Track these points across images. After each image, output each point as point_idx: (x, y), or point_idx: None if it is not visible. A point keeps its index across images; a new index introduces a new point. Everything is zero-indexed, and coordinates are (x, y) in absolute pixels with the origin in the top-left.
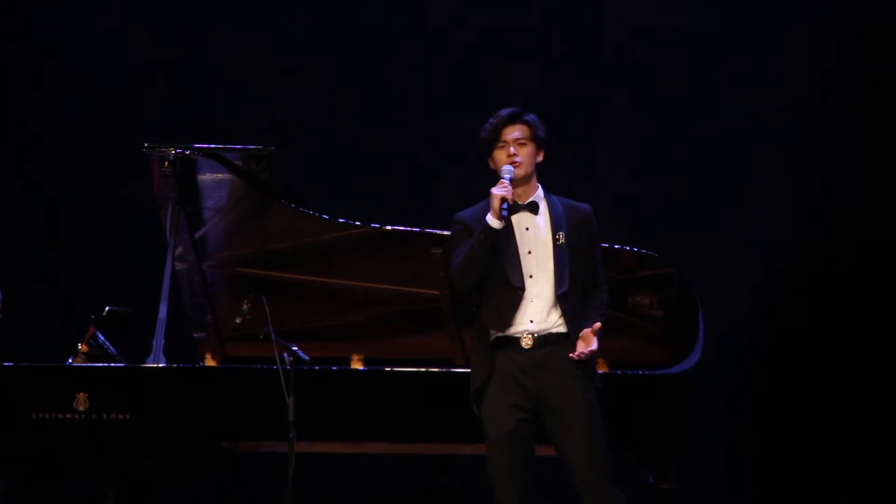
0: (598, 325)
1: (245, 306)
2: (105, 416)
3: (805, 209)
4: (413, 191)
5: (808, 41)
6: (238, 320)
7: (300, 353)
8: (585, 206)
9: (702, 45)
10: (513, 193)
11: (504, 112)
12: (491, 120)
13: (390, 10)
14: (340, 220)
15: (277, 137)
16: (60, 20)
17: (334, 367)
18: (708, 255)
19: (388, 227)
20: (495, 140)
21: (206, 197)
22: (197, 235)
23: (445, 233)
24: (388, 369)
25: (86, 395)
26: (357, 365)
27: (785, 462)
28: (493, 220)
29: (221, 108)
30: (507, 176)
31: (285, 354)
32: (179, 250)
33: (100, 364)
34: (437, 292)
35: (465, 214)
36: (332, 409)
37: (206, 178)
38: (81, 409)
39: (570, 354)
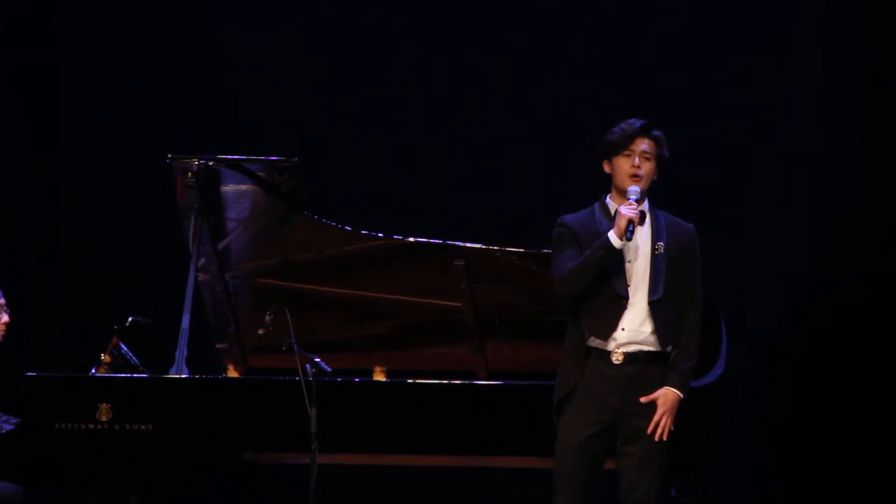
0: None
1: (268, 317)
2: (127, 426)
3: (805, 210)
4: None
5: (809, 41)
6: (261, 331)
7: (323, 364)
8: (689, 224)
9: (702, 45)
10: (639, 216)
11: (638, 123)
12: (622, 125)
13: (392, 9)
14: (363, 232)
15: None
16: (61, 21)
17: (357, 379)
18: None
19: (411, 239)
20: (623, 147)
21: (229, 208)
22: (220, 246)
23: (468, 245)
24: (410, 381)
25: (108, 405)
26: (380, 377)
27: (812, 476)
28: (615, 240)
29: (223, 110)
30: (634, 197)
31: (308, 366)
32: (202, 261)
33: (122, 374)
34: (458, 304)
35: (570, 219)
36: (354, 421)
37: (229, 188)
38: (104, 419)
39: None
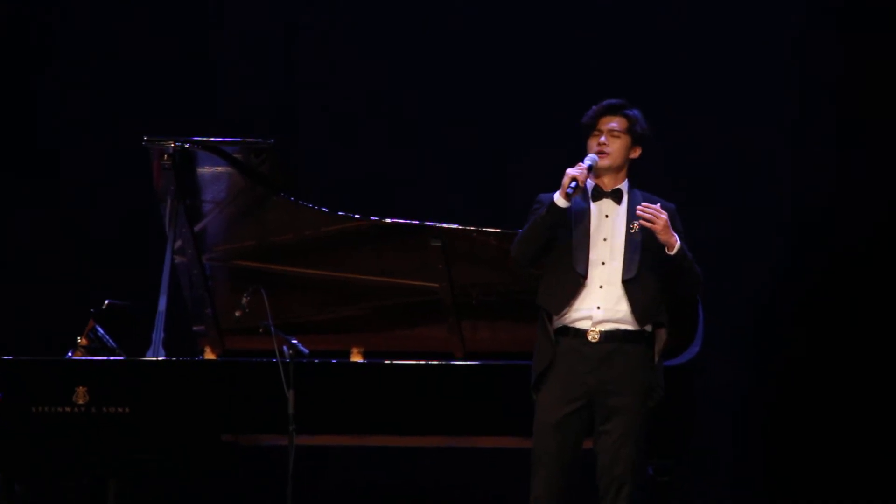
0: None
1: (244, 299)
2: (105, 409)
3: (805, 208)
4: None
5: (809, 40)
6: (237, 313)
7: (300, 346)
8: (670, 204)
9: (702, 45)
10: (585, 177)
11: (606, 101)
12: (593, 107)
13: (400, 9)
14: (340, 213)
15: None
16: (59, 19)
17: (334, 360)
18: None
19: (388, 220)
20: (591, 127)
21: (206, 190)
22: (196, 228)
23: (444, 225)
24: (387, 362)
25: (85, 388)
26: (357, 358)
27: (791, 455)
28: (558, 198)
29: (218, 101)
30: (588, 162)
31: (285, 347)
32: (179, 243)
33: (99, 357)
34: (436, 285)
35: (545, 196)
36: (331, 402)
37: (206, 171)
38: (81, 402)
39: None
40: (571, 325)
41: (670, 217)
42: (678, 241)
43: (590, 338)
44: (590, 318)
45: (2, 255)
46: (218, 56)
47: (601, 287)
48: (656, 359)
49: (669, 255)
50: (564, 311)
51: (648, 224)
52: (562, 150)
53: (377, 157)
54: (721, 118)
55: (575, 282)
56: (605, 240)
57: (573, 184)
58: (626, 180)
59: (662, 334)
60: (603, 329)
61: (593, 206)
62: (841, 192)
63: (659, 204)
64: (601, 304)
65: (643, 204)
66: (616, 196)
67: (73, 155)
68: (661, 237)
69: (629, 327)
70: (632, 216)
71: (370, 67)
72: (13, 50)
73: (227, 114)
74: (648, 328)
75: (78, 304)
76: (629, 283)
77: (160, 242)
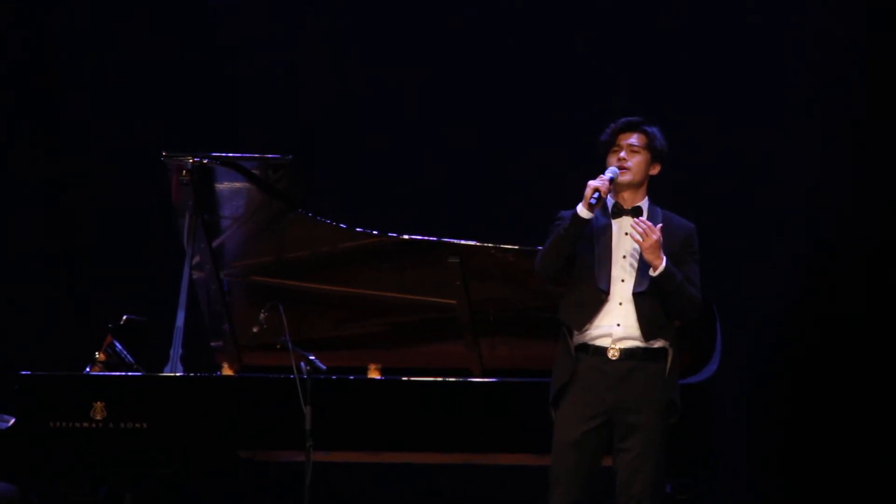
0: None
1: (262, 315)
2: (122, 424)
3: (806, 211)
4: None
5: (809, 40)
6: (255, 329)
7: (317, 362)
8: (689, 223)
9: (702, 45)
10: (608, 188)
11: (624, 118)
12: (611, 124)
13: (400, 9)
14: (358, 230)
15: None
16: (59, 19)
17: (351, 377)
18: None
19: (406, 237)
20: (610, 144)
21: (224, 205)
22: (214, 244)
23: (462, 242)
24: (405, 379)
25: (103, 403)
26: (374, 374)
27: (807, 472)
28: (581, 210)
29: (218, 102)
30: (609, 175)
31: (302, 364)
32: (197, 259)
33: (117, 373)
34: (453, 301)
35: (566, 212)
36: (349, 419)
37: (224, 186)
38: (99, 417)
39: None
40: (591, 343)
41: (687, 238)
42: (663, 264)
43: (610, 355)
44: (610, 335)
45: (19, 269)
46: (218, 57)
47: (620, 304)
48: (666, 375)
49: (651, 276)
50: (586, 328)
51: (636, 239)
52: (562, 150)
53: (377, 157)
54: (721, 118)
55: (597, 298)
56: (624, 257)
57: (596, 194)
58: (647, 197)
59: (672, 352)
60: (622, 347)
61: (614, 223)
62: (841, 193)
63: (659, 225)
64: (621, 322)
65: (640, 219)
66: (636, 213)
67: (74, 155)
68: (646, 255)
69: (650, 345)
70: None
71: (370, 67)
72: (14, 50)
73: (226, 114)
74: (661, 345)
75: (77, 304)
76: (638, 297)
77: (160, 243)
